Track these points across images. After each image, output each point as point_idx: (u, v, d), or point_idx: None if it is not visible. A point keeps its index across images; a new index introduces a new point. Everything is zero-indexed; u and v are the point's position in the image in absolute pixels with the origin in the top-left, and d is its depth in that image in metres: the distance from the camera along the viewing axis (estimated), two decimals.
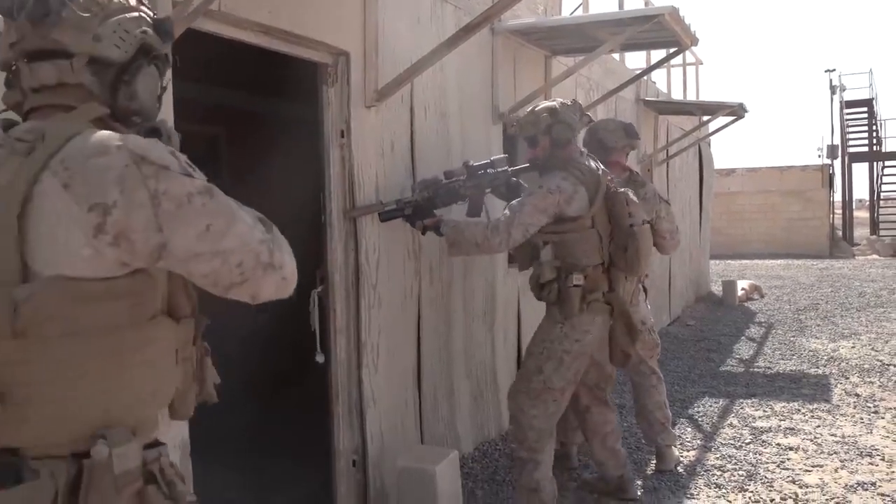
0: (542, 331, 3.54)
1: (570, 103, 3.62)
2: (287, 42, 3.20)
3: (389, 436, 3.81)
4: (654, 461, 4.45)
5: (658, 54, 9.20)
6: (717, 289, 12.58)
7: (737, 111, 8.47)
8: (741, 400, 5.90)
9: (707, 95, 16.61)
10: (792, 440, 4.88)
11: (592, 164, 3.56)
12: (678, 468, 4.38)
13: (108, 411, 1.26)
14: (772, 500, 3.90)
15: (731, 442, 4.86)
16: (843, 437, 4.92)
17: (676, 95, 10.85)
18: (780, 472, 4.30)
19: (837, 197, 23.10)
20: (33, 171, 1.21)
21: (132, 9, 1.40)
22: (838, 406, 5.67)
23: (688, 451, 4.71)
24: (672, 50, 6.01)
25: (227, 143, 5.98)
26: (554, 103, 3.60)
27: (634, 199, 3.55)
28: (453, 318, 4.44)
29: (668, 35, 5.25)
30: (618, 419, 3.93)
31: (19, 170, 1.22)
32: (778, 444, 4.80)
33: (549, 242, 3.46)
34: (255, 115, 6.00)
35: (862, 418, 5.33)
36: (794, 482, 4.15)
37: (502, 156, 3.74)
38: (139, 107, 1.42)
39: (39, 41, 1.31)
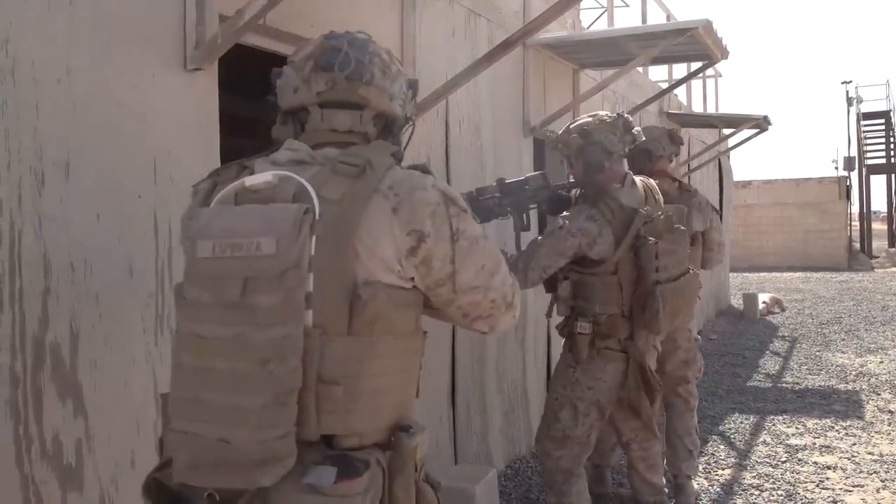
0: (558, 371, 3.34)
1: (610, 119, 3.21)
2: None
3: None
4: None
5: (679, 67, 9.18)
6: (736, 302, 12.47)
7: (761, 124, 8.40)
8: (772, 416, 5.82)
9: (725, 108, 16.53)
10: (829, 459, 4.80)
11: (636, 190, 3.19)
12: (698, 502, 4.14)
13: (399, 406, 1.48)
14: None
15: (767, 460, 4.79)
16: (882, 455, 4.83)
17: (697, 108, 10.79)
18: (820, 493, 4.22)
19: (854, 209, 22.95)
20: (367, 192, 1.40)
21: (401, 72, 1.62)
22: (872, 423, 5.58)
23: (722, 469, 4.64)
24: (700, 64, 5.97)
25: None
26: (589, 120, 3.23)
27: (673, 247, 3.17)
28: (485, 337, 4.36)
29: (699, 48, 5.22)
30: (659, 449, 3.65)
31: (352, 189, 1.40)
32: (815, 463, 4.71)
33: (567, 278, 3.20)
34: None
35: None
36: (835, 502, 4.07)
37: (538, 173, 3.54)
38: (400, 153, 1.61)
39: (348, 94, 1.53)
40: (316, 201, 1.36)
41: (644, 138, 3.64)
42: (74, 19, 2.14)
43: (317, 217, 1.34)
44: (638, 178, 3.30)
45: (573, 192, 3.30)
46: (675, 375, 4.03)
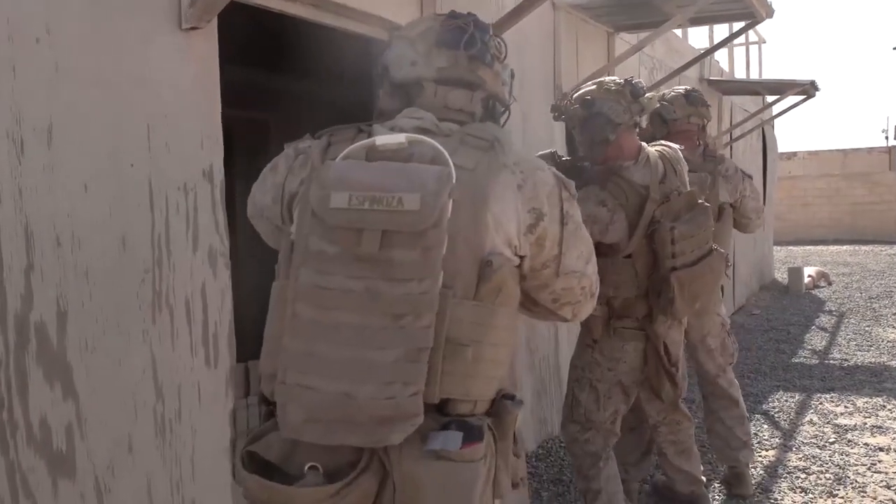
0: (577, 349, 3.14)
1: (616, 87, 2.84)
2: (338, 16, 2.98)
3: None
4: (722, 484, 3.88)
5: (721, 30, 8.81)
6: (780, 276, 12.08)
7: (807, 90, 8.03)
8: (819, 394, 5.55)
9: (768, 75, 15.98)
10: (881, 440, 4.53)
11: (650, 166, 2.86)
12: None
13: (503, 379, 1.49)
14: None
15: (814, 441, 4.54)
16: None
17: (739, 75, 10.39)
18: (872, 476, 3.97)
19: None
20: (497, 165, 1.44)
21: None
22: None
23: (766, 450, 4.41)
24: (744, 24, 5.66)
25: (275, 129, 5.80)
26: (592, 88, 2.89)
27: (691, 230, 2.85)
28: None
29: (741, 7, 4.92)
30: (692, 432, 3.38)
31: (482, 160, 1.44)
32: (866, 444, 4.45)
33: None
34: (303, 98, 5.80)
35: None
36: (888, 487, 3.82)
37: (547, 151, 3.01)
38: None
39: (467, 74, 1.56)
40: (452, 167, 1.37)
41: (657, 105, 3.37)
42: None
43: (454, 181, 1.35)
44: (656, 148, 2.98)
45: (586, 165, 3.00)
46: (708, 366, 3.76)
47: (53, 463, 1.95)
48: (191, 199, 2.32)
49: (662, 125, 3.81)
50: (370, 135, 1.48)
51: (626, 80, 2.89)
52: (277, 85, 5.52)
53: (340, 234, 1.34)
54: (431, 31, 1.57)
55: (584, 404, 3.03)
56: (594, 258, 1.65)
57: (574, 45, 5.00)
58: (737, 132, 8.98)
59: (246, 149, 4.65)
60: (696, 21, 5.82)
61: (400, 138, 1.43)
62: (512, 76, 1.69)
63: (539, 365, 4.47)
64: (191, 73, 2.33)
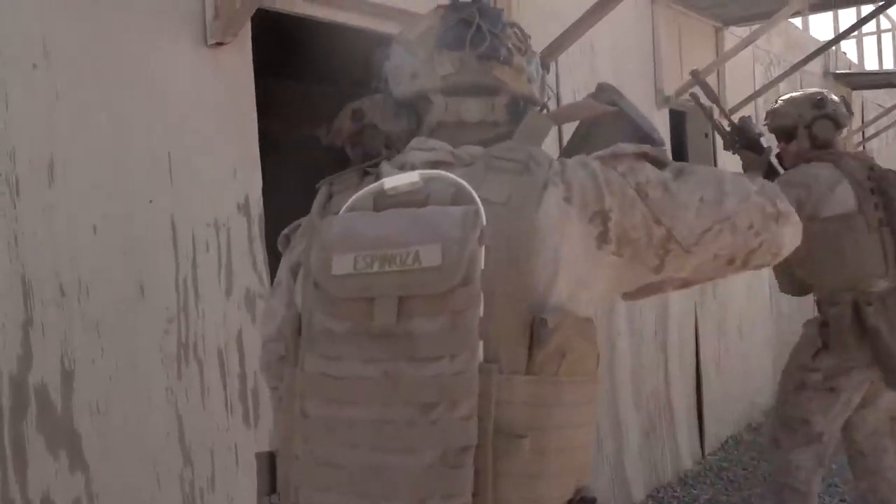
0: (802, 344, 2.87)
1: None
2: (382, 19, 2.66)
3: None
4: None
5: (847, 15, 8.01)
6: None
7: None
8: None
9: None
10: None
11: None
12: None
13: (582, 469, 1.14)
14: None
15: None
16: None
17: (870, 67, 9.49)
18: None
19: None
20: (538, 189, 1.12)
21: (532, 48, 1.34)
22: None
23: None
24: (873, 7, 5.00)
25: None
26: (812, 90, 3.02)
27: None
28: (617, 341, 3.78)
29: None
30: None
31: (519, 187, 1.12)
32: None
33: None
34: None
35: None
36: None
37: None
38: None
39: (480, 77, 1.25)
40: (480, 204, 1.08)
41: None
42: None
43: (484, 222, 1.07)
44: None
45: None
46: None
47: None
48: (223, 237, 2.06)
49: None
50: (378, 177, 1.20)
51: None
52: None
53: (348, 306, 1.09)
54: (432, 31, 1.27)
55: (814, 423, 2.78)
56: (732, 184, 1.21)
57: (676, 43, 4.53)
58: (870, 130, 8.15)
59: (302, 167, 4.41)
60: (817, 7, 5.18)
61: (412, 177, 1.15)
62: (545, 68, 1.36)
63: (647, 401, 4.00)
64: (220, 92, 2.07)
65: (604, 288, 1.17)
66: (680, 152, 4.78)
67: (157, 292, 1.91)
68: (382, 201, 1.15)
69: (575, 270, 1.11)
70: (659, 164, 1.19)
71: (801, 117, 2.92)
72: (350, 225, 1.13)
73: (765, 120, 3.10)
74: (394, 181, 1.15)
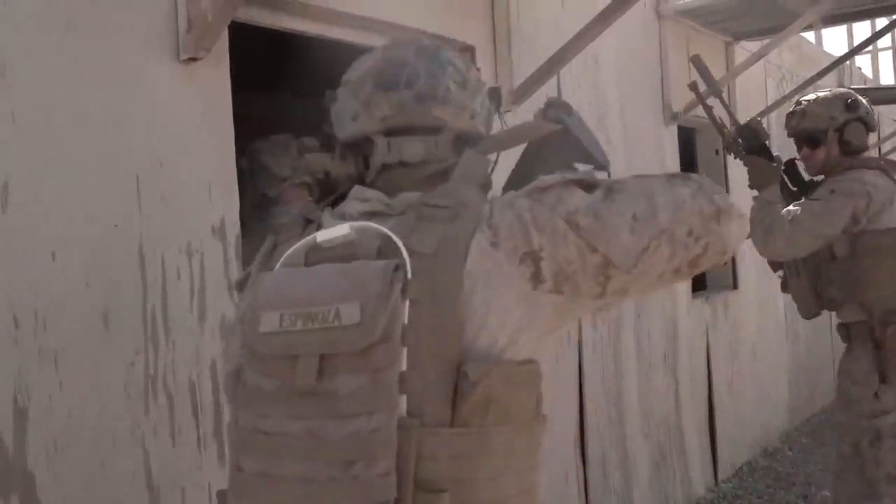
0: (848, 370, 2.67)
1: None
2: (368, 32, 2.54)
3: None
4: None
5: (862, 29, 7.88)
6: None
7: None
8: None
9: None
10: None
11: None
12: None
13: None
14: None
15: None
16: None
17: (886, 82, 9.34)
18: None
19: None
20: (466, 237, 1.12)
21: (480, 80, 1.33)
22: None
23: None
24: (888, 20, 4.86)
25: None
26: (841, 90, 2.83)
27: None
28: (624, 366, 3.64)
29: None
30: None
31: (447, 237, 1.11)
32: None
33: None
34: None
35: None
36: None
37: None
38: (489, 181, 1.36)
39: (419, 117, 1.24)
40: (406, 256, 1.08)
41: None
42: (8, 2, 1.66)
43: (409, 276, 1.07)
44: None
45: None
46: None
47: None
48: (195, 262, 1.94)
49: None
50: (320, 226, 1.20)
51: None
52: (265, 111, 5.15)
53: (275, 364, 1.11)
54: (370, 72, 1.25)
55: (884, 465, 2.57)
56: (662, 193, 1.14)
57: (685, 59, 4.40)
58: (886, 146, 7.99)
59: None
60: (830, 20, 5.04)
61: (344, 229, 1.15)
62: (493, 98, 1.33)
63: (656, 429, 3.85)
64: (194, 108, 1.97)
65: (548, 327, 1.15)
66: (690, 170, 4.65)
67: (121, 323, 1.79)
68: (315, 255, 1.16)
69: (510, 316, 1.10)
70: (589, 187, 1.15)
71: (834, 120, 2.67)
72: (280, 280, 1.15)
73: (790, 122, 2.82)
74: (327, 234, 1.16)
